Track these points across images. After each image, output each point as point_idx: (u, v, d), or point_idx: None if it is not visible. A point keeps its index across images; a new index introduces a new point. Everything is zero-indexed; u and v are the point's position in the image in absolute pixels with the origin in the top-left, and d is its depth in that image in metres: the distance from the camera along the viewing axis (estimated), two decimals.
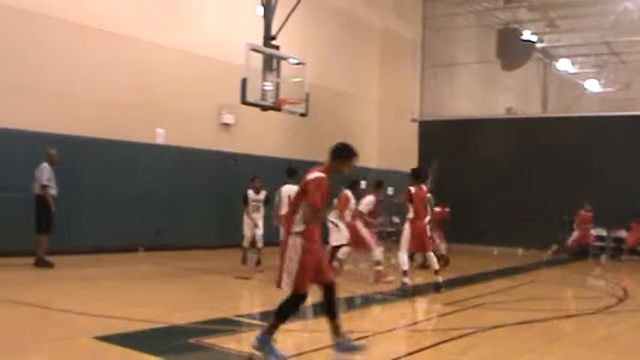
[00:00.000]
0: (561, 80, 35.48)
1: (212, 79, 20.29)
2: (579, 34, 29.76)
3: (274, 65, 17.87)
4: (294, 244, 6.92)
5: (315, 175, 7.17)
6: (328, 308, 7.09)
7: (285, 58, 18.17)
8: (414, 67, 28.07)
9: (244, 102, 16.83)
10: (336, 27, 25.83)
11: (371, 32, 28.19)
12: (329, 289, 7.09)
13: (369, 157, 27.42)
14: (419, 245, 13.39)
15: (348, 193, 14.71)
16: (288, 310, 7.02)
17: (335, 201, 14.69)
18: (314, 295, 7.14)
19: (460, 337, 8.68)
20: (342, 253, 14.79)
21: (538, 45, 29.81)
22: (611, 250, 23.10)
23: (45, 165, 14.65)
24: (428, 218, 13.56)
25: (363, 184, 16.95)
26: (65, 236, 16.02)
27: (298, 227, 6.96)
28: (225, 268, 15.85)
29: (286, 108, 17.89)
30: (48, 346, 7.71)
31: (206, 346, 7.65)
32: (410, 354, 7.47)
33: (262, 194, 15.81)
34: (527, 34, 28.34)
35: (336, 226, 14.68)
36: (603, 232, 23.25)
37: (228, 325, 8.84)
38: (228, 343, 7.85)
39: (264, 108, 17.68)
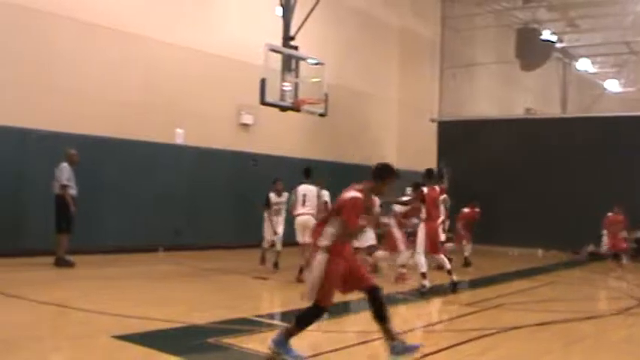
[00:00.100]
0: (581, 80, 35.24)
1: (231, 79, 20.33)
2: (599, 33, 29.56)
3: (293, 65, 17.86)
4: (319, 258, 6.87)
5: (352, 194, 7.05)
6: (377, 312, 7.00)
7: (303, 59, 18.17)
8: (432, 67, 27.99)
9: (263, 102, 16.83)
10: (354, 27, 25.81)
11: (389, 32, 28.15)
12: (373, 294, 7.01)
13: (387, 157, 27.17)
14: (429, 246, 13.34)
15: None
16: (307, 320, 7.02)
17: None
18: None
19: (479, 337, 8.67)
20: (378, 257, 14.84)
21: (557, 45, 29.62)
22: (632, 251, 22.89)
23: (65, 165, 14.73)
24: (441, 219, 13.52)
25: None
26: (85, 236, 16.10)
27: (325, 241, 6.89)
28: (243, 268, 15.87)
29: (305, 108, 17.87)
30: (68, 345, 7.77)
31: (225, 346, 7.67)
32: (428, 355, 7.45)
33: (284, 197, 15.59)
34: (546, 34, 28.16)
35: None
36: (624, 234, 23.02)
37: (247, 325, 8.85)
38: (247, 342, 7.86)
39: (283, 108, 17.67)
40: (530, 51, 27.70)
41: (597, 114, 26.59)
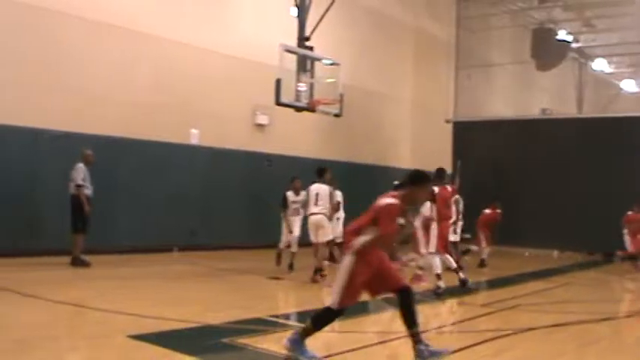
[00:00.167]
0: (597, 80, 35.04)
1: (246, 79, 20.36)
2: (615, 33, 29.37)
3: (308, 66, 17.86)
4: (347, 263, 6.83)
5: (388, 201, 6.97)
6: (405, 315, 6.92)
7: (318, 59, 18.16)
8: (448, 68, 27.93)
9: (278, 103, 16.83)
10: (369, 27, 25.81)
11: (404, 32, 28.13)
12: (403, 295, 6.94)
13: (402, 158, 27.43)
14: (439, 246, 13.31)
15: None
16: (324, 320, 7.01)
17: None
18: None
19: (494, 338, 8.65)
20: (409, 259, 14.88)
21: (573, 45, 29.48)
22: None
23: (80, 165, 14.80)
24: (453, 219, 13.49)
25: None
26: (101, 236, 16.18)
27: (356, 246, 6.84)
28: (258, 268, 15.89)
29: (320, 109, 17.86)
30: (84, 344, 7.82)
31: (239, 346, 7.68)
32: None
33: (302, 195, 15.42)
34: (562, 34, 28.05)
35: None
36: None
37: (262, 325, 8.85)
38: (261, 343, 7.87)
39: (299, 109, 17.66)
40: (546, 51, 27.60)
41: (613, 114, 26.44)
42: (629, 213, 20.05)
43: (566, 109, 31.60)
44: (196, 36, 19.50)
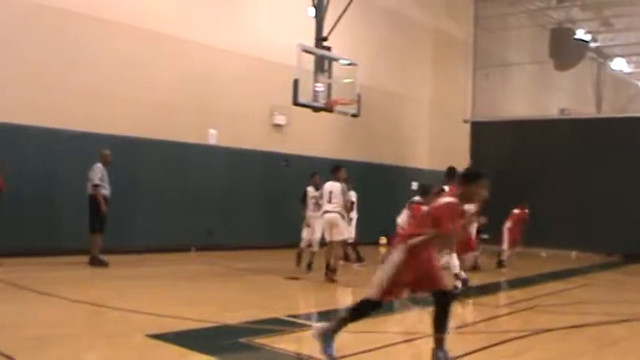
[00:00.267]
0: (616, 80, 34.83)
1: (264, 80, 20.40)
2: (634, 32, 29.18)
3: (326, 66, 17.86)
4: (396, 258, 6.70)
5: (447, 199, 6.89)
6: (438, 317, 6.76)
7: (336, 59, 18.16)
8: (466, 68, 27.84)
9: (296, 103, 16.84)
10: (387, 27, 25.79)
11: (422, 32, 28.09)
12: (443, 298, 6.80)
13: (420, 158, 27.39)
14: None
15: (420, 202, 14.00)
16: (362, 312, 6.90)
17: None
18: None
19: (512, 339, 8.62)
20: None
21: (592, 44, 29.31)
22: None
23: (98, 165, 14.88)
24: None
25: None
26: (119, 236, 16.27)
27: (412, 243, 6.70)
28: (275, 268, 15.90)
29: (338, 109, 17.86)
30: (102, 343, 7.84)
31: (257, 346, 7.68)
32: (462, 356, 7.42)
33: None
34: (580, 34, 27.88)
35: None
36: None
37: (279, 325, 8.85)
38: (279, 343, 7.87)
39: (316, 109, 17.67)
40: (565, 51, 27.45)
41: (633, 114, 26.22)
42: None
43: (584, 109, 31.40)
44: (214, 36, 19.55)
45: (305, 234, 15.81)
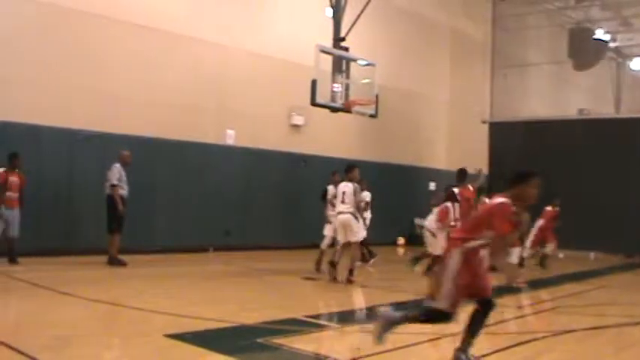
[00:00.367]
0: (635, 80, 34.55)
1: (282, 80, 20.42)
2: None
3: (344, 67, 17.84)
4: (454, 263, 6.62)
5: (500, 200, 6.79)
6: (474, 323, 6.74)
7: (354, 60, 18.14)
8: (484, 68, 27.72)
9: (314, 103, 16.83)
10: (405, 28, 25.75)
11: (440, 32, 28.03)
12: (486, 304, 6.76)
13: (438, 159, 27.32)
14: None
15: (448, 205, 13.69)
16: (433, 320, 6.84)
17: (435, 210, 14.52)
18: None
19: (532, 340, 8.58)
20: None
21: (611, 44, 29.13)
22: None
23: (117, 165, 14.93)
24: None
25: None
26: (137, 236, 16.33)
27: (467, 247, 6.64)
28: (293, 268, 15.88)
29: (356, 109, 17.82)
30: (121, 343, 7.87)
31: (274, 346, 7.68)
32: (482, 356, 7.38)
33: None
34: (599, 33, 27.71)
35: (434, 235, 14.36)
36: None
37: (297, 326, 8.85)
38: (296, 343, 7.86)
39: (334, 109, 17.65)
40: (583, 51, 27.29)
41: None
42: None
43: (603, 109, 31.21)
44: (231, 37, 19.59)
45: (327, 232, 15.60)
